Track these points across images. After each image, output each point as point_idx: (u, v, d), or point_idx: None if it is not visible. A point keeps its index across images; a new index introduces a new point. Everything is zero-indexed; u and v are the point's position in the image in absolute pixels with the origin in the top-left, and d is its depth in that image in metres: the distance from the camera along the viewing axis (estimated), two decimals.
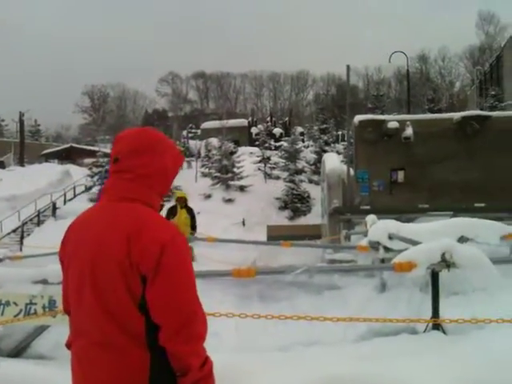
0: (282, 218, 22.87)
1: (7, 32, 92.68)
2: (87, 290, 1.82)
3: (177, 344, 1.74)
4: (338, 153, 23.24)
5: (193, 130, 37.82)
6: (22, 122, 38.28)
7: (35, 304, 3.94)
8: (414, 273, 3.94)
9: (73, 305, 1.92)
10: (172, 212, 10.94)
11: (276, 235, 15.16)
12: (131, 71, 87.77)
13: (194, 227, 10.87)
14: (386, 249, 5.68)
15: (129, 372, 1.76)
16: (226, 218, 21.09)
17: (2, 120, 55.24)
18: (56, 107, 77.95)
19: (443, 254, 3.89)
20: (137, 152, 1.91)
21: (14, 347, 4.03)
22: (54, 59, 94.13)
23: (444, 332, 4.02)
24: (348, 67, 13.34)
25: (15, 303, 3.97)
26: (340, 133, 33.29)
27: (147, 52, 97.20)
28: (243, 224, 21.14)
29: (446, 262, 3.89)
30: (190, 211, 11.01)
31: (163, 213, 5.90)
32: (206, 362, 1.81)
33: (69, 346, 1.97)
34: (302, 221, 22.40)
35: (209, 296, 4.87)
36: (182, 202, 10.93)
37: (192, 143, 31.49)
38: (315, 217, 20.92)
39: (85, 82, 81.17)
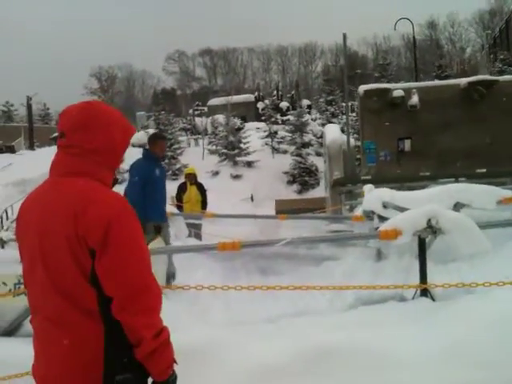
0: (290, 192, 22.81)
1: (13, 21, 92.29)
2: (39, 267, 1.83)
3: (128, 316, 1.74)
4: (345, 124, 22.99)
5: (199, 108, 37.59)
6: (29, 106, 38.39)
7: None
8: (400, 240, 3.91)
9: (27, 282, 1.94)
10: (182, 189, 10.89)
11: (284, 209, 15.16)
12: (138, 51, 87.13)
13: (204, 204, 10.82)
14: (381, 217, 5.62)
15: (83, 346, 1.77)
16: (235, 194, 21.07)
17: (11, 105, 55.41)
18: (65, 90, 77.78)
19: (429, 220, 3.85)
20: (82, 126, 1.88)
21: (6, 327, 4.09)
22: (60, 43, 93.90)
23: (432, 298, 4.00)
24: (344, 35, 13.10)
25: (4, 283, 4.03)
26: (350, 104, 32.86)
27: (153, 31, 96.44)
28: (252, 199, 21.12)
29: (432, 228, 3.85)
30: (201, 187, 10.94)
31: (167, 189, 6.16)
32: (162, 333, 1.81)
33: (31, 323, 2.00)
34: (311, 194, 22.33)
35: (194, 270, 4.93)
36: (192, 178, 10.85)
37: (198, 121, 31.31)
38: (323, 189, 20.84)
39: (92, 63, 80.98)
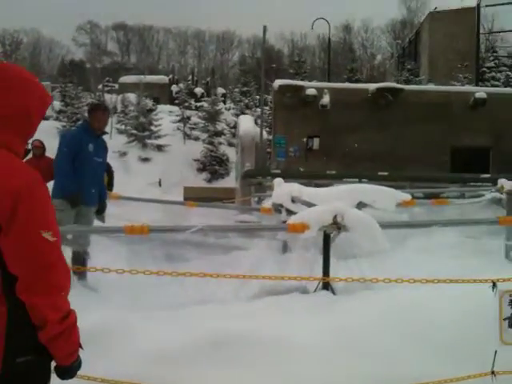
0: (199, 180, 22.76)
1: None
2: None
3: (32, 295, 1.65)
4: (259, 117, 23.30)
5: (110, 84, 36.25)
6: None
7: None
8: (307, 234, 4.05)
9: None
10: None
11: (193, 197, 15.06)
12: (47, 17, 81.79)
13: (110, 185, 10.46)
14: (289, 211, 5.77)
15: None
16: (142, 178, 20.65)
17: None
18: None
19: (335, 217, 4.02)
20: None
21: None
22: None
23: (333, 292, 4.18)
24: (265, 28, 13.30)
25: None
26: (264, 97, 33.27)
27: None
28: (159, 184, 20.82)
29: (337, 225, 4.03)
30: (108, 167, 10.57)
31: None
32: (68, 316, 1.74)
33: None
34: (221, 183, 22.44)
35: (100, 253, 4.79)
36: None
37: (108, 97, 30.19)
38: (233, 180, 21.02)
39: None
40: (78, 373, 1.89)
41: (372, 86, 16.75)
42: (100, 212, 5.96)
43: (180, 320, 3.61)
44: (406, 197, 6.00)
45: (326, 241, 4.15)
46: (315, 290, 4.20)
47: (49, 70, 68.49)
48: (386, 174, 11.98)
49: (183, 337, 3.28)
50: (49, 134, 14.50)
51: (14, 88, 1.77)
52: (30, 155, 9.04)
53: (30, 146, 8.34)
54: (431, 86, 21.23)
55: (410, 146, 15.52)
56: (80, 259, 4.97)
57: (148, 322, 3.51)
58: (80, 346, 1.83)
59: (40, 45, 74.80)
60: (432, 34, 28.60)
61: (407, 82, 26.34)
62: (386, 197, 5.76)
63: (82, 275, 4.89)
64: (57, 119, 25.15)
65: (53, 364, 1.80)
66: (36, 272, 1.65)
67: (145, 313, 3.70)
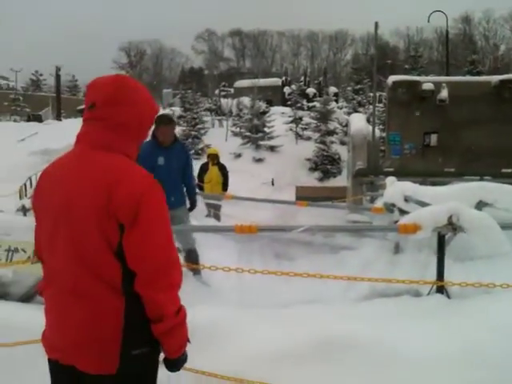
0: (311, 179, 22.70)
1: None
2: (61, 238, 1.83)
3: (152, 291, 1.76)
4: (371, 115, 22.69)
5: (226, 89, 37.48)
6: (58, 77, 38.73)
7: None
8: (419, 235, 3.87)
9: (46, 253, 1.95)
10: (204, 169, 10.93)
11: (305, 196, 15.12)
12: (168, 28, 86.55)
13: (225, 185, 10.85)
14: (402, 211, 5.56)
15: (103, 319, 1.79)
16: (256, 178, 21.06)
17: (41, 74, 56.05)
18: (94, 63, 78.19)
19: (450, 217, 3.79)
20: (113, 99, 1.89)
21: (24, 293, 4.16)
22: (92, 16, 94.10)
23: (448, 296, 3.96)
24: (376, 24, 12.86)
25: (23, 250, 4.10)
26: (378, 94, 32.39)
27: (184, 8, 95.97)
28: (272, 184, 21.08)
29: (453, 226, 3.80)
30: (223, 168, 10.98)
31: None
32: (181, 310, 1.84)
33: (41, 292, 2.01)
34: (332, 182, 22.19)
35: (214, 250, 4.96)
36: (214, 158, 10.90)
37: (224, 102, 31.22)
38: (345, 178, 20.69)
39: (122, 38, 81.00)
40: (185, 365, 1.97)
41: (495, 78, 15.60)
42: (191, 209, 5.83)
43: (286, 319, 3.61)
44: None
45: (441, 242, 3.93)
46: (428, 293, 3.99)
47: (170, 79, 72.51)
48: (510, 171, 11.09)
49: (288, 336, 3.26)
50: None
51: (130, 100, 1.93)
52: None
53: None
54: None
55: None
56: (192, 256, 5.18)
57: (254, 319, 3.54)
58: (188, 340, 1.91)
59: (162, 55, 79.44)
60: None
61: None
62: (508, 195, 5.33)
63: (196, 271, 5.10)
64: (177, 124, 26.46)
65: (161, 357, 1.89)
66: (156, 269, 1.76)
67: (252, 310, 3.75)
